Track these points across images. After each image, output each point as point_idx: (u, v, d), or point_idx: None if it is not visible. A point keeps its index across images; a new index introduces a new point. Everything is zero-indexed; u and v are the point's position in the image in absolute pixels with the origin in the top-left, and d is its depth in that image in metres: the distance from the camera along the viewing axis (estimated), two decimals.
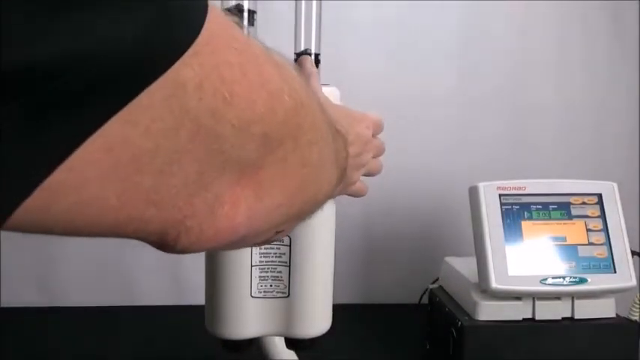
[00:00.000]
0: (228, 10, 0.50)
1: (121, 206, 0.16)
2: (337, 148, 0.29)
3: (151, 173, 0.16)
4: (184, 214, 0.18)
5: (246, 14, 0.50)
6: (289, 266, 0.52)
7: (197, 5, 0.16)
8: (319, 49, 0.55)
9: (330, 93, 0.50)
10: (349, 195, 0.46)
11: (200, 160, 0.18)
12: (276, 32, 0.50)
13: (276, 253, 0.52)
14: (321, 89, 0.47)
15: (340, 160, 0.30)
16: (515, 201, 0.67)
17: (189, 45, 0.16)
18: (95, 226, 0.16)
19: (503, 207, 0.66)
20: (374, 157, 0.47)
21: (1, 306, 0.83)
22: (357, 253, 1.00)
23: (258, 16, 0.52)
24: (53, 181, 0.14)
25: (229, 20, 0.19)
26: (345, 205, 0.61)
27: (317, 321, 0.53)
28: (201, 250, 0.21)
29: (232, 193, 0.20)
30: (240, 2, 0.50)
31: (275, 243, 0.51)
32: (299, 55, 0.53)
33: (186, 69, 0.16)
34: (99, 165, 0.15)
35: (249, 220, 0.22)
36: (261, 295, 0.52)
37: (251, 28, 0.52)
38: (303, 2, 0.54)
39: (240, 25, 0.50)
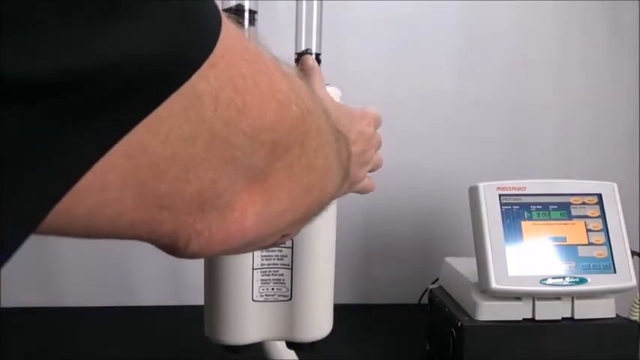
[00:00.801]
0: (229, 10, 0.50)
1: (136, 209, 0.17)
2: (339, 149, 0.29)
3: (168, 180, 0.17)
4: (195, 218, 0.19)
5: (246, 14, 0.50)
6: (291, 268, 0.51)
7: (212, 19, 0.17)
8: (320, 49, 0.55)
9: (331, 93, 0.50)
10: (357, 192, 0.46)
11: (215, 168, 0.18)
12: (277, 32, 0.51)
13: (277, 256, 0.51)
14: (324, 86, 0.47)
15: (343, 161, 0.30)
16: (515, 201, 0.67)
17: (205, 58, 0.16)
18: (111, 228, 0.17)
19: (503, 207, 0.66)
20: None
21: (1, 306, 0.83)
22: (357, 254, 1.00)
23: (258, 16, 0.52)
24: (78, 185, 0.14)
25: (240, 31, 0.19)
26: (345, 206, 0.61)
27: (319, 324, 0.53)
28: (211, 255, 0.22)
29: (241, 199, 0.21)
30: (241, 2, 0.50)
31: None
32: (300, 55, 0.53)
33: (203, 81, 0.16)
34: (119, 170, 0.15)
35: (257, 225, 0.22)
36: (262, 298, 0.51)
37: (252, 28, 0.51)
38: (303, 2, 0.54)
39: (241, 25, 0.50)
